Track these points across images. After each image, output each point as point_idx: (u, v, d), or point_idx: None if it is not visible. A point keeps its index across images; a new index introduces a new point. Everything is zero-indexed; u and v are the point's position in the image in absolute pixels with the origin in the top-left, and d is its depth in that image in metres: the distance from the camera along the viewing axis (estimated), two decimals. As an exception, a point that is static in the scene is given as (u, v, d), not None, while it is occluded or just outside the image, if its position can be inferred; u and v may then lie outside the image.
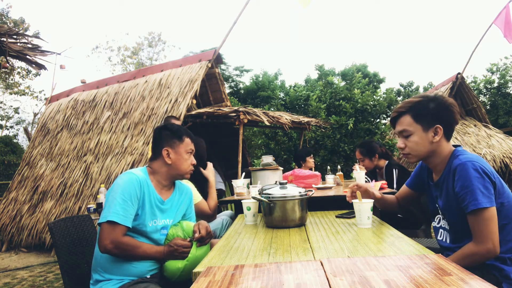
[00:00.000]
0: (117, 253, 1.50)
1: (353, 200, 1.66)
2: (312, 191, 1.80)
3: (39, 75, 14.55)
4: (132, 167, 5.08)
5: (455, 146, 1.55)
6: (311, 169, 4.20)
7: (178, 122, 3.93)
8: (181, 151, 1.71)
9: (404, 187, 1.82)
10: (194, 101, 5.41)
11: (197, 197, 2.29)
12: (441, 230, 1.59)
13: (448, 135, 1.52)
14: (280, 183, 1.77)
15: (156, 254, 1.57)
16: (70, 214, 5.17)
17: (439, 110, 1.49)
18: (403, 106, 1.55)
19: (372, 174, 3.46)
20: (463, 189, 1.37)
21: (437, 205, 1.59)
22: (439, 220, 1.60)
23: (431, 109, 1.49)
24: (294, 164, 5.32)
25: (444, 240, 1.58)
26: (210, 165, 2.56)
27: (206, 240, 1.64)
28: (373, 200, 1.66)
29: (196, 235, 1.60)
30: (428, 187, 1.66)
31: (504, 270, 1.37)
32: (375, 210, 2.34)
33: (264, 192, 1.74)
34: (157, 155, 1.71)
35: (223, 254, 1.25)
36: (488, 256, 1.33)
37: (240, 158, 5.06)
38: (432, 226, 1.72)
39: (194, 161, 1.77)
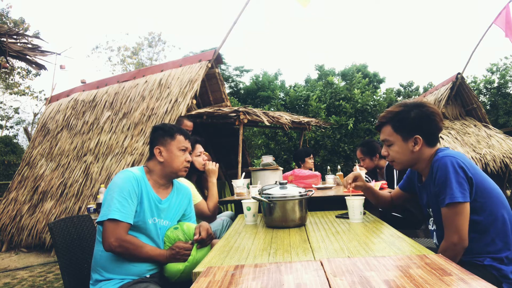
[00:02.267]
0: (121, 252, 1.50)
1: (346, 197, 1.73)
2: (312, 191, 1.80)
3: (39, 75, 14.55)
4: (132, 167, 5.08)
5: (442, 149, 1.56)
6: (310, 169, 4.20)
7: (190, 123, 3.92)
8: (173, 148, 1.72)
9: (397, 189, 1.85)
10: (194, 101, 5.41)
11: (197, 197, 2.29)
12: (434, 233, 1.60)
13: (430, 143, 1.53)
14: (280, 183, 1.77)
15: (158, 257, 1.58)
16: (70, 214, 5.16)
17: (419, 120, 1.50)
18: (384, 115, 1.58)
19: (373, 174, 3.46)
20: (440, 184, 1.39)
21: (427, 208, 1.61)
22: (432, 223, 1.61)
23: (411, 119, 1.50)
24: (294, 164, 5.32)
25: (436, 242, 1.59)
26: (213, 165, 2.56)
27: (206, 242, 1.64)
28: (364, 197, 1.72)
29: (196, 237, 1.60)
30: (418, 189, 1.67)
31: (502, 270, 1.37)
32: (375, 211, 2.35)
33: (264, 192, 1.74)
34: (151, 154, 1.74)
35: (223, 254, 1.25)
36: (456, 249, 1.34)
37: (240, 158, 5.05)
38: None
39: (189, 158, 1.78)
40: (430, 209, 1.58)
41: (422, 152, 1.52)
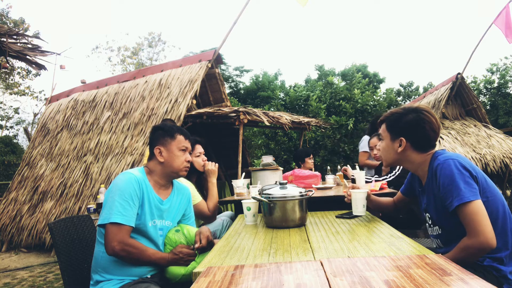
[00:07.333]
0: (123, 256, 1.50)
1: (351, 190, 1.81)
2: (312, 191, 1.80)
3: (39, 75, 14.54)
4: (132, 167, 5.08)
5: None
6: (310, 169, 4.20)
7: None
8: (173, 148, 1.72)
9: (399, 193, 1.87)
10: (194, 101, 5.41)
11: (196, 198, 2.29)
12: (438, 238, 1.60)
13: (419, 148, 1.55)
14: (280, 183, 1.77)
15: (160, 261, 1.58)
16: (70, 214, 5.16)
17: (408, 124, 1.55)
18: (386, 114, 1.68)
19: (377, 171, 3.45)
20: (446, 187, 1.39)
21: (425, 212, 1.62)
22: (431, 229, 1.62)
23: (402, 122, 1.57)
24: (294, 164, 5.32)
25: (437, 247, 1.59)
26: (212, 165, 2.56)
27: (206, 249, 1.65)
28: (367, 190, 1.80)
29: (197, 245, 1.60)
30: (418, 194, 1.69)
31: (502, 271, 1.37)
32: (377, 212, 2.35)
33: (264, 192, 1.74)
34: (152, 154, 1.74)
35: (223, 254, 1.25)
36: (483, 249, 1.31)
37: (240, 158, 5.05)
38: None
39: (189, 158, 1.77)
40: (428, 214, 1.59)
41: (408, 155, 1.56)
